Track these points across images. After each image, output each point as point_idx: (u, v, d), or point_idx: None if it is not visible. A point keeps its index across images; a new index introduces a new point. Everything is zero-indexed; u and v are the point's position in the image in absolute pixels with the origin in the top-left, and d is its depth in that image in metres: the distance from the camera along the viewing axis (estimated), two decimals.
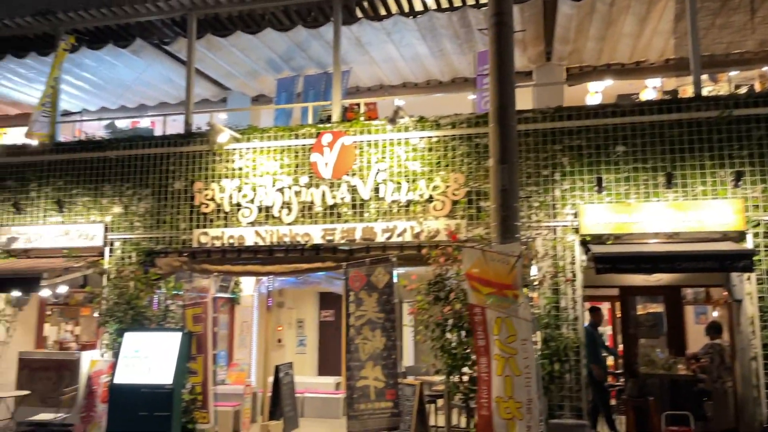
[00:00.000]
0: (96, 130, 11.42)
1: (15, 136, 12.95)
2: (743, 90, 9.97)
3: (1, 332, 9.57)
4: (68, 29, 10.19)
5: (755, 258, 7.09)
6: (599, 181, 7.78)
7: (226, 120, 11.36)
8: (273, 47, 10.44)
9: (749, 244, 7.28)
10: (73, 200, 9.64)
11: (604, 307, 11.06)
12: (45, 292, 9.26)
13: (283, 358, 11.23)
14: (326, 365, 12.54)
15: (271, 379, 9.01)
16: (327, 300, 12.80)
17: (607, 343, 10.21)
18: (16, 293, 9.34)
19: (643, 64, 10.91)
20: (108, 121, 11.40)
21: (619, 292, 9.91)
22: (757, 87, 10.38)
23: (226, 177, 9.10)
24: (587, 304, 9.93)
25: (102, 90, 12.23)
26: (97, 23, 10.13)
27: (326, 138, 8.77)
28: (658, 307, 9.89)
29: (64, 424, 8.35)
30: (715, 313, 9.60)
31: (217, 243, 8.93)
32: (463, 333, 7.31)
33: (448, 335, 7.44)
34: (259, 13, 9.86)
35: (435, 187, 8.36)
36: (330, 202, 8.67)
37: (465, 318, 7.16)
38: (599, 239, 7.77)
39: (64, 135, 11.01)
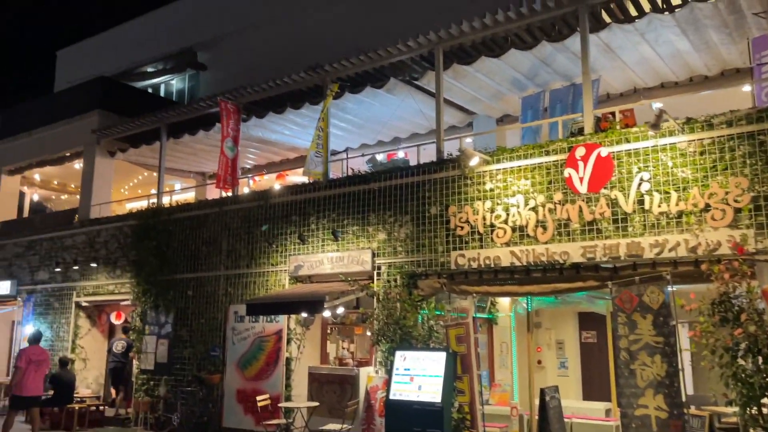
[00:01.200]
0: (359, 165, 12.58)
1: (294, 177, 14.96)
2: None
3: (293, 349, 10.97)
4: (333, 78, 11.48)
5: None
6: None
7: (472, 144, 11.64)
8: (517, 67, 10.45)
9: None
10: (344, 230, 10.70)
11: None
12: (326, 313, 10.39)
13: (544, 380, 10.96)
14: (591, 389, 11.88)
15: (536, 401, 8.84)
16: (587, 320, 12.18)
17: None
18: (303, 314, 10.64)
19: None
20: (369, 156, 12.49)
21: None
22: None
23: (479, 199, 9.29)
24: None
25: (362, 128, 13.49)
26: (356, 69, 11.22)
27: (579, 151, 8.44)
28: None
29: None
30: None
31: (474, 264, 9.12)
32: (760, 359, 6.37)
33: (741, 361, 6.55)
34: (502, 36, 9.97)
35: (711, 195, 7.48)
36: (588, 217, 8.29)
37: (762, 342, 6.24)
38: None
39: (334, 172, 12.34)
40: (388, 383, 8.42)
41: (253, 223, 12.00)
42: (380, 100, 11.88)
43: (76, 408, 12.58)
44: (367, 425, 9.11)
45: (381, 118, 12.70)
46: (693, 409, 7.80)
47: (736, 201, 7.32)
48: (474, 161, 9.20)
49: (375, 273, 10.14)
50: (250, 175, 16.01)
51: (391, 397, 8.21)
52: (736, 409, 6.79)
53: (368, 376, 9.66)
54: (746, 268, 6.57)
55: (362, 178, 10.81)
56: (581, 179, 8.38)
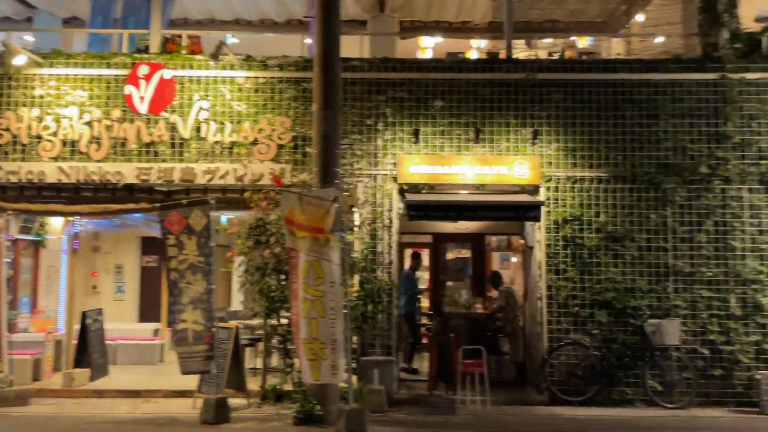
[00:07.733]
0: None
1: None
2: (556, 56, 10.87)
3: None
4: None
5: (544, 209, 7.91)
6: (416, 132, 8.12)
7: (33, 42, 10.15)
8: None
9: (542, 196, 8.08)
10: None
11: (425, 254, 11.80)
12: None
13: (98, 305, 10.57)
14: (148, 313, 12.00)
15: (77, 326, 8.48)
16: (150, 245, 12.15)
17: (423, 286, 10.88)
18: None
19: (469, 24, 11.42)
20: None
21: (432, 239, 10.57)
22: (567, 54, 11.30)
23: (24, 105, 8.21)
24: (409, 251, 10.51)
25: None
26: None
27: (143, 69, 8.19)
28: (466, 253, 10.73)
29: None
30: (515, 259, 10.59)
31: (13, 178, 8.12)
32: (283, 276, 7.40)
33: (268, 279, 7.49)
34: None
35: (260, 130, 8.21)
36: (146, 139, 8.18)
37: (285, 262, 7.24)
38: (415, 188, 8.16)
39: None
40: None
41: None
42: None
43: None
44: None
45: None
46: (228, 323, 8.59)
47: (280, 138, 8.22)
48: (20, 60, 8.01)
49: None
50: None
51: None
52: (260, 321, 7.77)
53: None
54: (280, 197, 7.47)
55: None
56: (142, 99, 8.17)
